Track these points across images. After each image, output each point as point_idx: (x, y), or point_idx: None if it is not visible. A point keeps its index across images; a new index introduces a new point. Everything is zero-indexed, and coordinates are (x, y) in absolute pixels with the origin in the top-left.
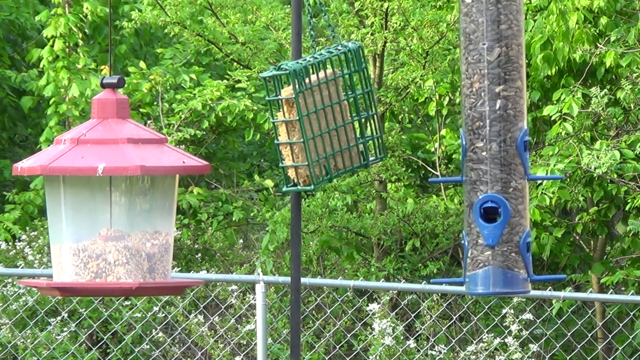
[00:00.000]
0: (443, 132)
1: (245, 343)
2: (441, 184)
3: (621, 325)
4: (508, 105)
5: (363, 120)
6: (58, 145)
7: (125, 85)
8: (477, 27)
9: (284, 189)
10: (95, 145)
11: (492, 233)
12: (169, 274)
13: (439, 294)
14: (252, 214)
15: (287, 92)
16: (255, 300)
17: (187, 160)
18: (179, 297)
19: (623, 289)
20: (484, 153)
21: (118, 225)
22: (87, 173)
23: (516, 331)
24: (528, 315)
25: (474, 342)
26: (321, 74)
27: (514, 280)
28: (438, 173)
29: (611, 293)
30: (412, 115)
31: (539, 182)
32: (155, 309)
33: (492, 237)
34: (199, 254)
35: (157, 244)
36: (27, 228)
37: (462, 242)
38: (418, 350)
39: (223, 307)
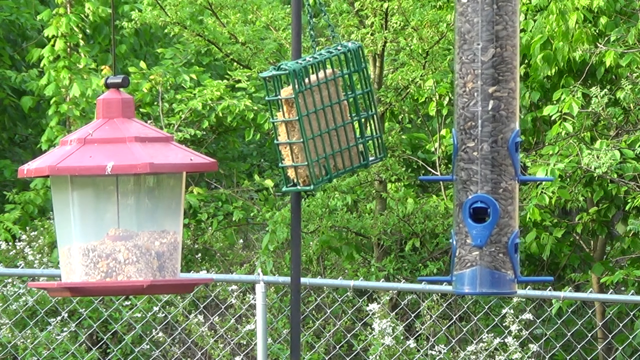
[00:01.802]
0: (443, 132)
1: (245, 343)
2: (441, 184)
3: (621, 325)
4: (501, 106)
5: (363, 120)
6: (64, 146)
7: None
8: (472, 27)
9: (284, 189)
10: (102, 144)
11: (480, 233)
12: (178, 272)
13: (439, 294)
14: (252, 214)
15: (286, 92)
16: (255, 300)
17: (195, 158)
18: (179, 297)
19: (623, 289)
20: (475, 153)
21: (125, 224)
22: (96, 172)
23: (516, 331)
24: (528, 315)
25: (474, 342)
26: (321, 74)
27: (501, 281)
28: (438, 173)
29: (611, 293)
30: (412, 115)
31: (539, 181)
32: (155, 309)
33: (481, 237)
34: (199, 254)
35: (166, 243)
36: (27, 228)
37: (451, 240)
38: (418, 350)
39: (223, 307)
